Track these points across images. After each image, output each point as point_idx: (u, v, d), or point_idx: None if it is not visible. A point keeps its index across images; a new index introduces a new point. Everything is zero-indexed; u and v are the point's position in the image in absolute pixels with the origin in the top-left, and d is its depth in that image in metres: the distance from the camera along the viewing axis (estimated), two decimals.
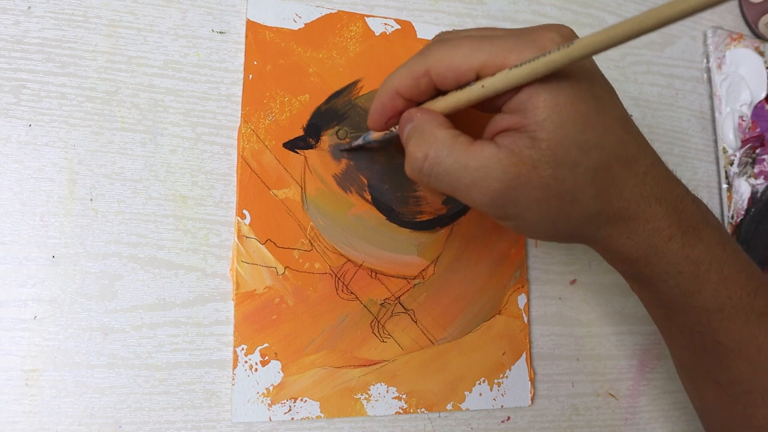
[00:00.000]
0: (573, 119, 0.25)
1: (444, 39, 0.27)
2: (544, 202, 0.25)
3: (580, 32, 0.43)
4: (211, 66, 0.34)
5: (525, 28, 0.26)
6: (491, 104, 0.26)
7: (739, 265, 0.29)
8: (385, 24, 0.38)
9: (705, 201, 0.45)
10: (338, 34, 0.36)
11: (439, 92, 0.27)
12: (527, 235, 0.30)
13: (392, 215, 0.36)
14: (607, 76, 0.44)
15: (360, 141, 0.34)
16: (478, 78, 0.25)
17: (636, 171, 0.27)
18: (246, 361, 0.32)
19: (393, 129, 0.30)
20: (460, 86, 0.26)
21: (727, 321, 0.28)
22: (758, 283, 0.29)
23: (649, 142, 0.28)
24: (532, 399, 0.38)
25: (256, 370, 0.32)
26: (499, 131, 0.26)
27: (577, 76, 0.25)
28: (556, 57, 0.23)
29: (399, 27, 0.38)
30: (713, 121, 0.47)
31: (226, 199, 0.33)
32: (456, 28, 0.39)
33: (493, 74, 0.25)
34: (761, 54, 0.48)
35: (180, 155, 0.33)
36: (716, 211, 0.46)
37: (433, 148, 0.26)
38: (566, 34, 0.26)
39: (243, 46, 0.35)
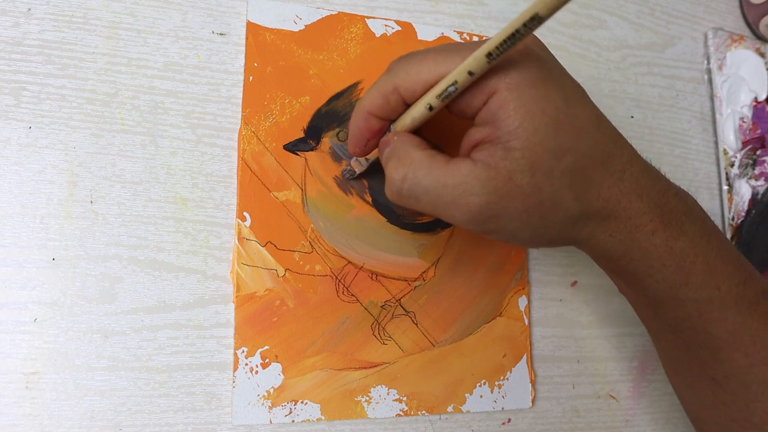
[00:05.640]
0: (544, 124, 0.25)
1: (408, 55, 0.28)
2: (525, 213, 0.25)
3: (580, 33, 0.44)
4: (212, 68, 0.34)
5: (478, 41, 0.26)
6: (464, 114, 0.27)
7: (726, 256, 0.29)
8: (386, 25, 0.37)
9: (705, 202, 0.46)
10: (339, 35, 0.36)
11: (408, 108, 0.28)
12: (513, 244, 0.30)
13: (393, 217, 0.36)
14: (607, 77, 0.44)
15: (347, 173, 0.35)
16: None
17: (612, 170, 0.27)
18: (246, 364, 0.32)
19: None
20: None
21: (717, 312, 0.28)
22: (747, 274, 0.29)
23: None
24: (533, 401, 0.37)
25: (256, 372, 0.32)
26: (474, 144, 0.26)
27: (545, 81, 0.25)
28: (480, 50, 0.24)
29: (399, 28, 0.38)
30: (714, 122, 0.47)
31: (226, 201, 0.33)
32: (457, 30, 0.39)
33: None
34: (762, 55, 0.48)
35: (180, 157, 0.33)
36: (717, 213, 0.46)
37: (410, 169, 0.26)
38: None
39: (243, 48, 0.35)
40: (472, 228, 0.26)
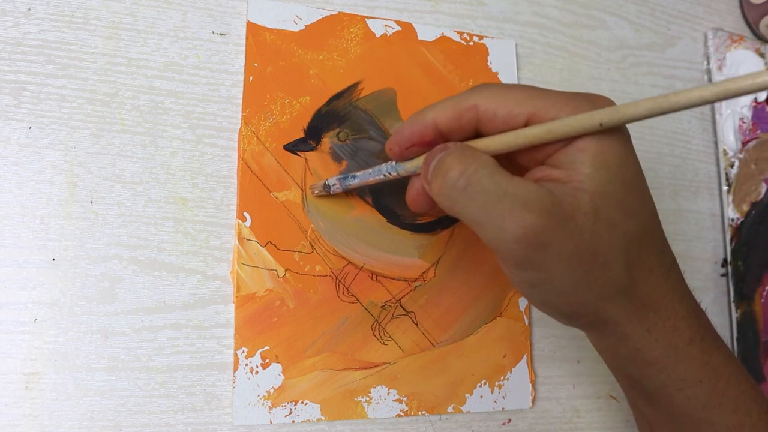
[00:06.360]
0: (619, 180, 0.24)
1: (492, 83, 0.26)
2: (575, 257, 0.24)
3: (580, 33, 0.44)
4: (212, 68, 0.34)
5: (571, 92, 0.25)
6: (534, 157, 0.25)
7: (751, 381, 0.27)
8: (386, 25, 0.37)
9: (706, 202, 0.46)
10: (339, 35, 0.36)
11: (475, 136, 0.26)
12: (545, 298, 0.26)
13: (393, 217, 0.36)
14: (607, 77, 0.44)
15: (319, 189, 0.34)
16: (526, 125, 0.25)
17: (663, 262, 0.26)
18: (246, 364, 0.32)
19: (388, 173, 0.30)
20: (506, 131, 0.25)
21: None
22: None
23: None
24: (533, 401, 0.37)
25: (256, 372, 0.32)
26: (540, 178, 0.25)
27: (626, 144, 0.25)
28: (608, 114, 0.23)
29: (399, 28, 0.38)
30: (714, 122, 0.47)
31: (226, 201, 0.33)
32: (457, 30, 0.39)
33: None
34: (762, 55, 0.48)
35: (180, 157, 0.33)
36: (717, 213, 0.46)
37: (473, 165, 0.24)
38: (609, 102, 0.25)
39: (243, 48, 0.35)
40: (515, 252, 0.24)
